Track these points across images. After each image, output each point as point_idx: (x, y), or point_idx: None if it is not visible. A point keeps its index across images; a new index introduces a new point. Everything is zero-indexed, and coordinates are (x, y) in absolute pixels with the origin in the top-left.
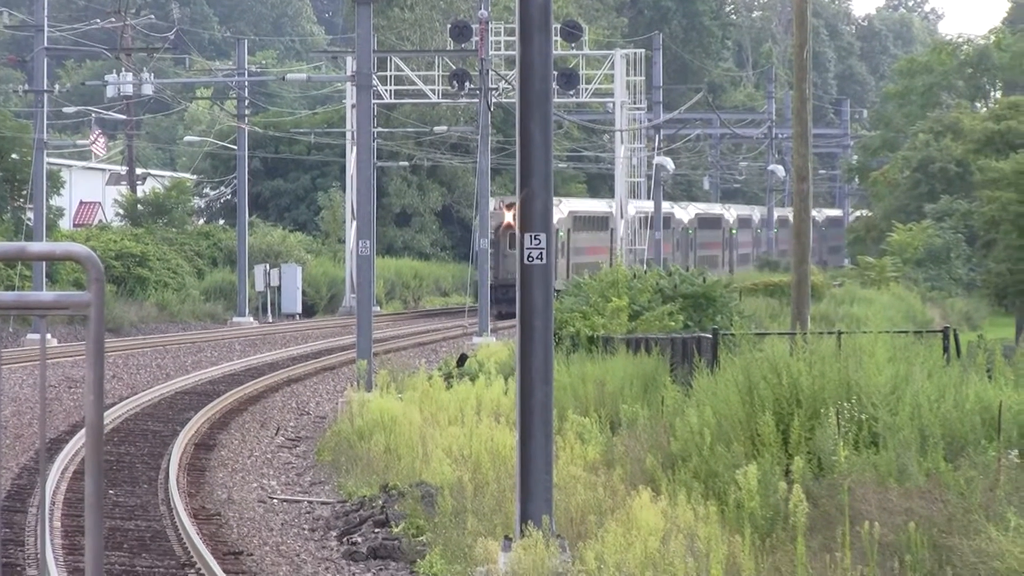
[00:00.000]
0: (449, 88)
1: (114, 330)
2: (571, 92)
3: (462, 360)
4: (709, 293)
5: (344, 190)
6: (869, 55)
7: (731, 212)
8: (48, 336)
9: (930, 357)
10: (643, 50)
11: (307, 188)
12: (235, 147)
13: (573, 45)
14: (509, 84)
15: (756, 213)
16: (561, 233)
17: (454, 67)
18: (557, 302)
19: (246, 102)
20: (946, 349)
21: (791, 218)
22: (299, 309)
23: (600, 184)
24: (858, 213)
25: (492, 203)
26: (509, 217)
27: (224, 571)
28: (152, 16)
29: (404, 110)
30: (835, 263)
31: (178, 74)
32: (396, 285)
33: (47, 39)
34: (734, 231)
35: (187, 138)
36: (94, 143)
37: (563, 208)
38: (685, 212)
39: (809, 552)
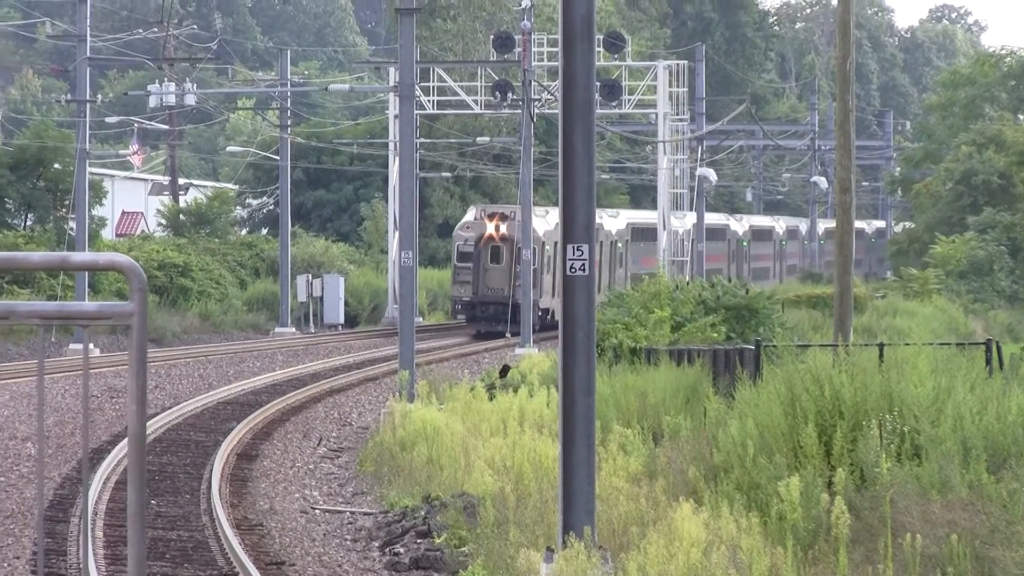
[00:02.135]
0: (492, 99)
1: (157, 340)
2: (614, 103)
3: (504, 371)
4: (752, 305)
5: (387, 201)
6: (912, 67)
7: (742, 223)
8: (91, 346)
9: (972, 369)
10: (686, 61)
11: (350, 199)
12: (277, 157)
13: (616, 56)
14: (552, 95)
15: (780, 225)
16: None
17: (497, 78)
18: (599, 313)
19: (288, 112)
20: (988, 361)
21: (816, 230)
22: (341, 320)
23: (643, 195)
24: (901, 225)
25: (471, 212)
26: (491, 228)
27: None
28: (195, 26)
29: (447, 121)
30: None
31: (220, 84)
32: (439, 296)
33: (90, 49)
34: (745, 243)
35: (229, 148)
36: (134, 154)
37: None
38: (681, 223)
39: (851, 564)
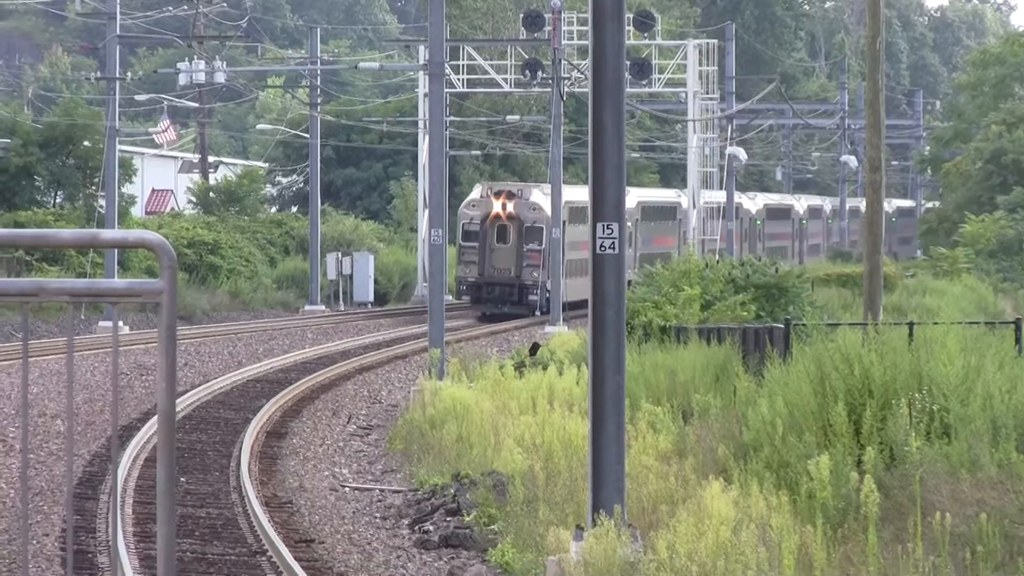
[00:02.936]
0: (522, 77)
1: (186, 318)
2: (644, 82)
3: (534, 349)
4: (781, 283)
5: (416, 179)
6: (942, 46)
7: (755, 201)
8: (120, 323)
9: (1002, 348)
10: (716, 40)
11: (379, 177)
12: (307, 135)
13: (646, 35)
14: (582, 73)
15: (801, 203)
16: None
17: (527, 56)
18: (629, 292)
19: (318, 91)
20: (1018, 340)
21: (825, 208)
22: (371, 298)
23: (672, 174)
24: (927, 205)
25: (478, 189)
26: (498, 206)
27: (296, 559)
28: (224, 4)
29: (477, 99)
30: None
31: (250, 62)
32: None
33: (119, 27)
34: (759, 222)
35: (259, 126)
36: (165, 131)
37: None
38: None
39: (881, 542)
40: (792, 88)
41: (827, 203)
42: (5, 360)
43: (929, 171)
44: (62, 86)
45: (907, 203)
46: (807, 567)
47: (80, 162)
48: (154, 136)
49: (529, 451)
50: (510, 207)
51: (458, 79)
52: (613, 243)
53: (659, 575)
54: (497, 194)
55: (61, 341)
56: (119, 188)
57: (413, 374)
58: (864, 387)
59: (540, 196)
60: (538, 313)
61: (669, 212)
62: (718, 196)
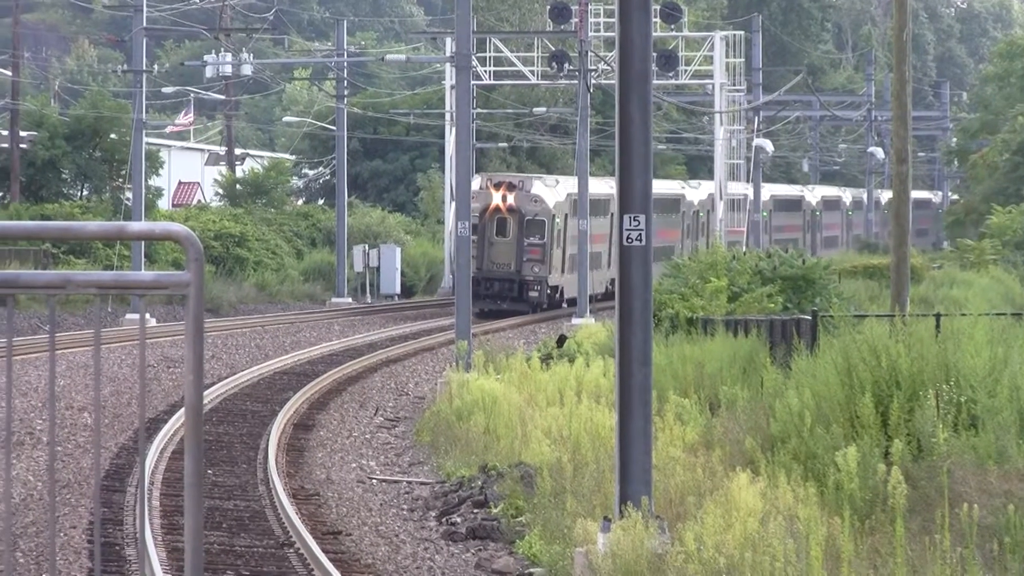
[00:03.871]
0: (548, 69)
1: (213, 310)
2: (670, 74)
3: (561, 341)
4: (808, 275)
5: (443, 171)
6: (968, 37)
7: (763, 192)
8: (147, 316)
9: None
10: (742, 32)
11: (406, 169)
12: (333, 128)
13: (672, 27)
14: (608, 65)
15: (815, 195)
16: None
17: (553, 48)
18: (656, 283)
19: (345, 83)
20: None
21: (872, 201)
22: (398, 290)
23: (699, 166)
24: (955, 196)
25: (477, 181)
26: (498, 198)
27: (323, 551)
28: None
29: (503, 91)
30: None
31: (277, 55)
32: None
33: (146, 19)
34: (764, 214)
35: (285, 119)
36: (189, 127)
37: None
38: (697, 193)
39: (908, 534)
40: (819, 80)
41: (847, 194)
42: (32, 353)
43: (956, 163)
44: (88, 79)
45: (924, 195)
46: (835, 558)
47: (107, 155)
48: (170, 128)
49: (556, 443)
50: (510, 199)
51: (485, 71)
52: (640, 235)
53: (686, 567)
54: (497, 185)
55: (88, 334)
56: (146, 181)
57: (440, 366)
58: (891, 379)
59: (541, 188)
60: (563, 308)
61: (672, 205)
62: (738, 188)
